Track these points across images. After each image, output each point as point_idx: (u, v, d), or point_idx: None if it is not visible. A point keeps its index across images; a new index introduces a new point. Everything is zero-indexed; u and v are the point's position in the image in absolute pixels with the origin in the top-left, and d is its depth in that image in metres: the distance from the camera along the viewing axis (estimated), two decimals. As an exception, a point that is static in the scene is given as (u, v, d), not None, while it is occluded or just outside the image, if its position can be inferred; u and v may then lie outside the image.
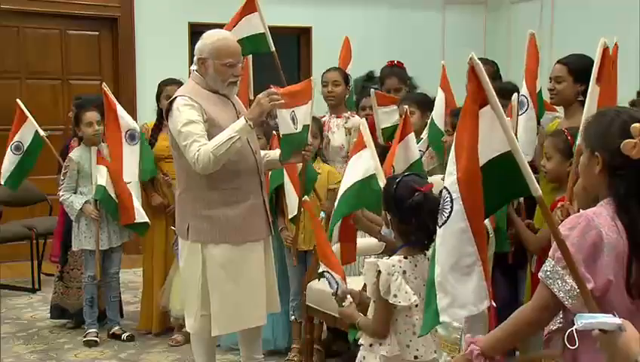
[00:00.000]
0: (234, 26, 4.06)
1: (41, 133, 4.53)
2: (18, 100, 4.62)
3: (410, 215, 2.44)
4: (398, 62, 4.56)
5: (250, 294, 3.28)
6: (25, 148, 4.55)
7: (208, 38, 3.28)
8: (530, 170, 1.76)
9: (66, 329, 4.78)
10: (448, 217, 1.85)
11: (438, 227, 1.90)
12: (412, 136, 3.29)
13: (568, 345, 1.65)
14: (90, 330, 4.53)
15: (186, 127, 3.12)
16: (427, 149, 3.74)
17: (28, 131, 4.55)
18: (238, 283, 3.24)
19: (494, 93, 1.80)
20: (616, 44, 3.18)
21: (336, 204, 3.10)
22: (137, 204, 4.36)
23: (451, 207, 1.84)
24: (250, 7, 4.14)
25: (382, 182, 3.02)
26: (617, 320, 1.56)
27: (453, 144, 1.88)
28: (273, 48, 4.14)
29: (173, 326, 4.57)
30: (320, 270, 2.74)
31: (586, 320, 1.58)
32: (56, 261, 4.89)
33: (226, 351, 4.25)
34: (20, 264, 5.89)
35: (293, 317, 4.11)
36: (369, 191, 3.02)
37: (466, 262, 1.84)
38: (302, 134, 3.39)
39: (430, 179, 2.77)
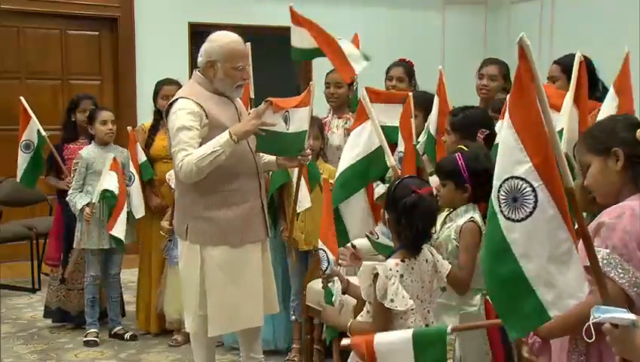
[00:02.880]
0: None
1: (42, 132, 4.53)
2: (22, 98, 4.60)
3: (403, 216, 2.44)
4: (409, 61, 4.54)
5: (248, 295, 3.27)
6: (35, 146, 4.57)
7: (218, 40, 3.26)
8: (565, 160, 1.73)
9: (66, 329, 4.78)
10: (535, 207, 1.72)
11: (513, 222, 1.75)
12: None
13: (586, 338, 1.64)
14: (91, 330, 4.54)
15: (178, 133, 3.13)
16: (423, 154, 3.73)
17: (33, 129, 4.56)
18: (235, 285, 3.24)
19: (538, 74, 1.71)
20: (627, 54, 3.15)
21: (339, 178, 3.09)
22: (123, 216, 4.38)
23: (535, 196, 1.72)
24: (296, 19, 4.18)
25: (388, 157, 3.09)
26: (632, 316, 1.57)
27: (512, 131, 1.74)
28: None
29: (170, 328, 4.57)
30: (318, 246, 2.77)
31: (602, 313, 1.58)
32: (55, 264, 4.84)
33: (226, 351, 4.25)
34: (20, 264, 5.89)
35: (293, 317, 4.11)
36: (376, 165, 3.04)
37: (563, 248, 1.73)
38: (297, 136, 3.36)
39: (432, 180, 2.78)
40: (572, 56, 3.40)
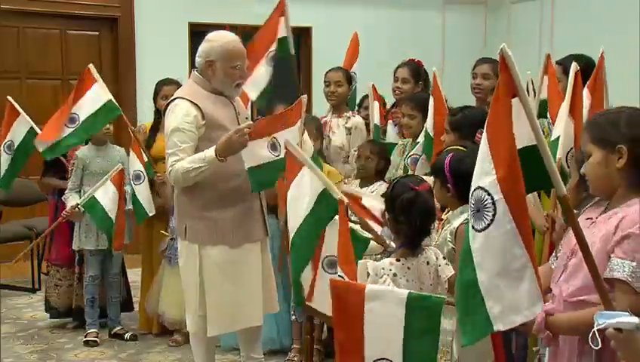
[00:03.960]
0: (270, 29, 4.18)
1: (37, 130, 4.35)
2: (9, 98, 4.47)
3: (401, 213, 2.45)
4: (418, 60, 4.52)
5: (247, 295, 3.27)
6: (16, 146, 4.40)
7: (216, 40, 3.27)
8: (555, 168, 1.71)
9: (66, 329, 4.78)
10: (492, 220, 1.72)
11: (475, 231, 1.77)
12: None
13: (592, 346, 1.63)
14: (91, 330, 4.53)
15: (172, 135, 3.16)
16: (422, 154, 3.74)
17: (20, 129, 4.41)
18: (234, 284, 3.24)
19: (523, 84, 1.72)
20: (601, 53, 3.20)
21: (295, 237, 2.69)
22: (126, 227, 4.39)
23: (494, 209, 1.72)
24: (280, 10, 4.22)
25: (334, 193, 2.64)
26: (636, 319, 1.57)
27: (486, 141, 1.75)
28: (293, 52, 4.25)
29: (168, 329, 4.56)
30: (337, 273, 2.66)
31: (606, 318, 1.58)
32: (64, 264, 4.74)
33: (226, 351, 4.25)
34: (20, 264, 5.88)
35: (293, 317, 4.12)
36: (327, 207, 2.64)
37: (516, 265, 1.72)
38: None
39: (430, 179, 2.78)
40: (574, 57, 3.42)
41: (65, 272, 4.75)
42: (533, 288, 1.73)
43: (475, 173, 1.78)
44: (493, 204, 1.72)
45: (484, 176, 1.74)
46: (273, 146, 3.17)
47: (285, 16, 4.19)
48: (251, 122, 3.16)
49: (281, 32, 4.20)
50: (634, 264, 1.77)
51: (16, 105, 4.45)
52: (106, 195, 4.25)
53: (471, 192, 1.77)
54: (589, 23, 6.23)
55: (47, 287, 4.86)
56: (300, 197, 2.70)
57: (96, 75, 4.24)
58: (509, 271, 1.72)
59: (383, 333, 1.99)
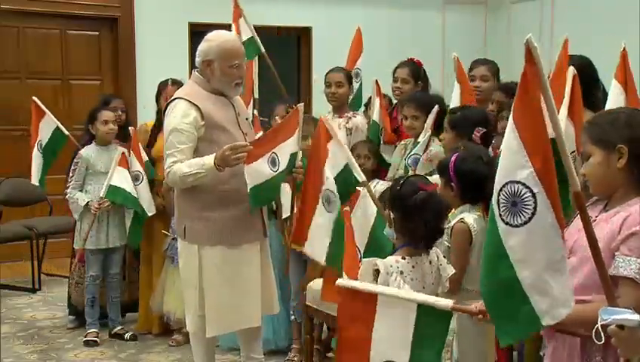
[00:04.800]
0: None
1: (64, 130, 4.49)
2: (34, 98, 4.54)
3: (413, 213, 2.44)
4: (417, 60, 4.51)
5: (245, 295, 3.27)
6: (44, 145, 4.49)
7: (214, 39, 3.26)
8: (571, 163, 1.69)
9: (66, 329, 4.78)
10: (533, 213, 1.69)
11: (511, 227, 1.72)
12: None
13: (596, 341, 1.63)
14: (91, 330, 4.53)
15: (170, 136, 3.17)
16: (425, 152, 3.73)
17: (46, 127, 4.50)
18: (233, 285, 3.24)
19: (546, 78, 1.68)
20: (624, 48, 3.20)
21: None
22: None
23: (535, 202, 1.69)
24: (237, 14, 4.37)
25: (357, 174, 3.04)
26: (638, 317, 1.58)
27: (516, 134, 1.70)
28: (263, 50, 4.40)
29: (173, 328, 4.56)
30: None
31: (610, 314, 1.59)
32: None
33: (225, 351, 4.25)
34: (20, 264, 5.89)
35: (293, 317, 4.11)
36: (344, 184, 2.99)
37: (557, 256, 1.71)
38: (289, 165, 3.27)
39: (431, 179, 2.79)
40: (578, 57, 3.41)
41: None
42: (570, 280, 1.74)
43: (503, 168, 1.74)
44: (534, 196, 1.69)
45: (519, 169, 1.70)
46: (273, 161, 3.20)
47: (243, 17, 4.31)
48: (247, 144, 3.14)
49: (245, 33, 4.37)
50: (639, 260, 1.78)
51: (42, 105, 4.51)
52: (122, 179, 4.34)
53: (498, 188, 1.73)
54: (589, 23, 6.23)
55: (70, 284, 4.84)
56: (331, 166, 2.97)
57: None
58: (554, 263, 1.71)
59: (392, 336, 2.00)
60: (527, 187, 1.69)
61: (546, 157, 1.67)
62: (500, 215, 1.74)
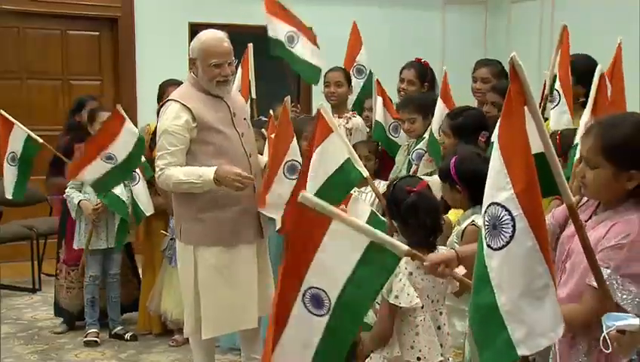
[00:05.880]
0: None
1: (34, 136, 4.33)
2: (1, 110, 4.39)
3: (408, 217, 2.47)
4: (424, 61, 4.49)
5: (241, 297, 3.27)
6: (19, 156, 4.35)
7: (198, 38, 3.30)
8: (563, 176, 1.65)
9: (55, 334, 4.73)
10: (512, 237, 1.63)
11: (492, 250, 1.67)
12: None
13: (604, 349, 1.61)
14: (91, 330, 4.54)
15: (162, 137, 3.19)
16: (426, 153, 3.72)
17: (17, 138, 4.35)
18: (229, 286, 3.24)
19: (532, 93, 1.63)
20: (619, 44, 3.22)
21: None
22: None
23: (513, 226, 1.63)
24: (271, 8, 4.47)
25: (360, 167, 3.06)
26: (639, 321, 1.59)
27: (499, 154, 1.67)
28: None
29: (171, 328, 4.56)
30: None
31: (614, 320, 1.59)
32: (76, 264, 4.63)
33: (225, 351, 4.25)
34: (20, 264, 5.89)
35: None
36: (344, 180, 2.99)
37: (539, 284, 1.63)
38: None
39: (429, 180, 2.78)
40: (582, 57, 3.41)
41: (78, 274, 4.66)
42: (556, 307, 1.66)
43: (487, 188, 1.70)
44: (512, 219, 1.63)
45: (500, 191, 1.66)
46: (291, 169, 3.27)
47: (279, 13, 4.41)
48: (252, 178, 3.18)
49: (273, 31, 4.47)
50: (609, 271, 1.77)
51: (9, 117, 4.36)
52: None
53: (484, 210, 1.70)
54: (589, 22, 6.23)
55: (57, 289, 4.79)
56: (324, 161, 2.95)
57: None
58: (532, 290, 1.64)
59: (329, 268, 1.88)
60: (507, 209, 1.64)
61: (527, 178, 1.61)
62: (485, 237, 1.71)
